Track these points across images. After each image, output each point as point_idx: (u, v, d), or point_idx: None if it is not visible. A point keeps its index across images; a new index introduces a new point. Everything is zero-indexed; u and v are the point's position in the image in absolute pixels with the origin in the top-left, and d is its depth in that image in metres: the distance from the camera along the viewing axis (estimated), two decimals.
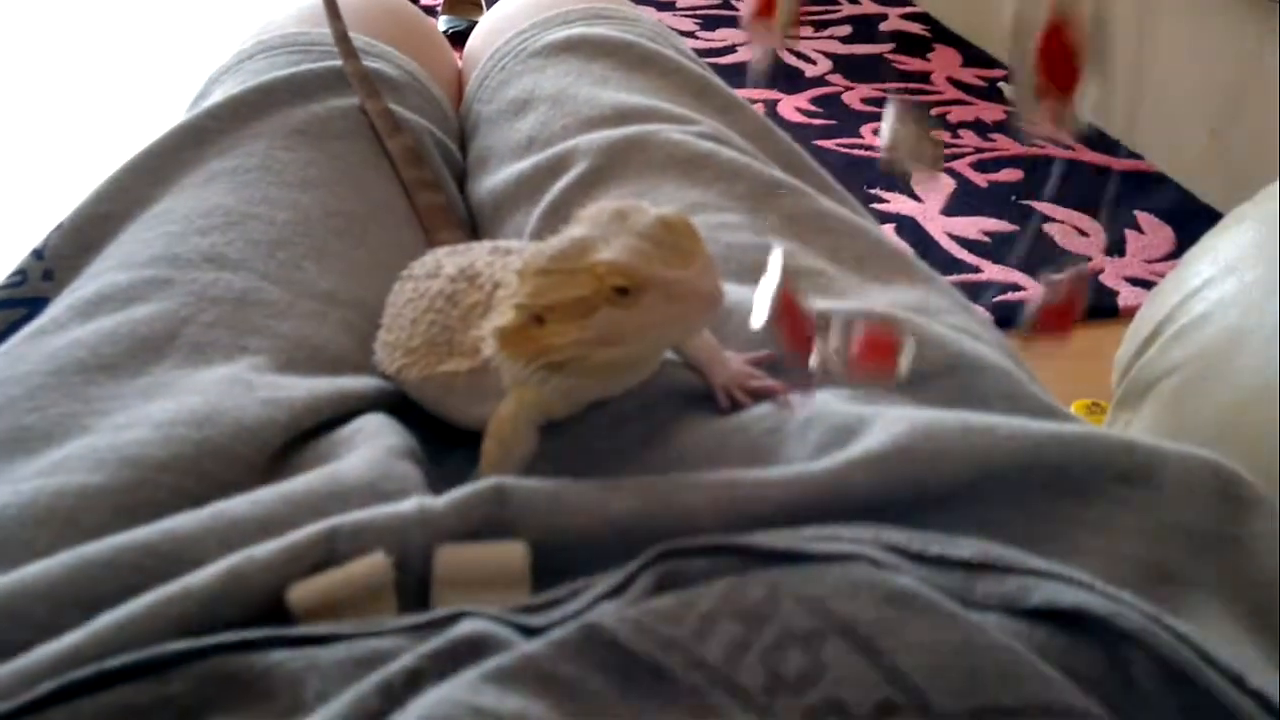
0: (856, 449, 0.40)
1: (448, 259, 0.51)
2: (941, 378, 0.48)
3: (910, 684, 0.30)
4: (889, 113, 0.32)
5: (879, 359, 0.36)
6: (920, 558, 0.36)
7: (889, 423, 0.41)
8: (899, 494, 0.39)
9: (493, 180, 0.71)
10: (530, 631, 0.34)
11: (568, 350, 0.42)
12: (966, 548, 0.36)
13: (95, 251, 0.59)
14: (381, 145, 0.69)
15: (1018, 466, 0.40)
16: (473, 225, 0.73)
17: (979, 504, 0.40)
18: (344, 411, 0.50)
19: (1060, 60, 0.24)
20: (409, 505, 0.39)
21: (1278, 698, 0.32)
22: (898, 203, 1.71)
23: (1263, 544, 0.39)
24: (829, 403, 0.45)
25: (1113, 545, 0.39)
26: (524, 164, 0.69)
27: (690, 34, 2.31)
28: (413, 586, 0.38)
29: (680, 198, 0.61)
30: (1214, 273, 0.69)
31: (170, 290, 0.54)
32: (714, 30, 2.34)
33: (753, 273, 0.55)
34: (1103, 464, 0.40)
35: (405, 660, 0.32)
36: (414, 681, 0.31)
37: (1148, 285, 1.51)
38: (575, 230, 0.42)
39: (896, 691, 0.30)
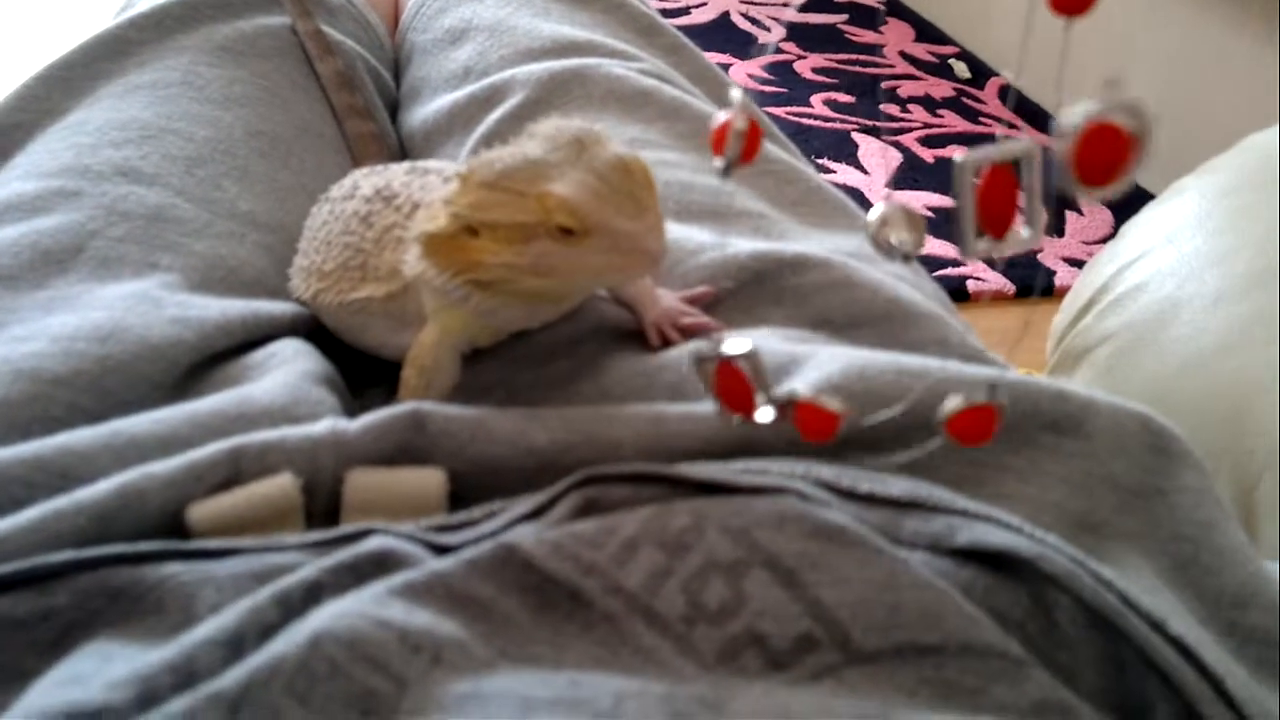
0: (787, 388, 0.39)
1: (365, 179, 0.49)
2: (877, 322, 0.47)
3: (832, 619, 0.30)
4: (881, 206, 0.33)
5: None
6: (850, 494, 0.35)
7: (822, 362, 0.40)
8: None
9: (425, 110, 0.69)
10: (442, 550, 0.32)
11: (495, 271, 0.40)
12: (896, 486, 0.35)
13: (3, 161, 0.56)
14: (311, 68, 0.66)
15: None
16: (403, 157, 0.70)
17: (908, 445, 0.39)
18: (259, 335, 0.48)
19: (997, 204, 0.27)
20: (320, 427, 0.38)
21: (1196, 645, 0.32)
22: (844, 174, 1.71)
23: (1188, 498, 0.39)
24: (763, 340, 0.44)
25: (1039, 492, 0.39)
26: (458, 94, 0.67)
27: None
28: (322, 511, 0.37)
29: (620, 133, 0.59)
30: (1153, 243, 0.69)
31: (78, 202, 0.51)
32: None
33: (690, 212, 0.54)
34: (1034, 411, 0.40)
35: (305, 572, 0.30)
36: (314, 594, 0.30)
37: (1084, 266, 1.52)
38: (529, 146, 0.40)
39: (818, 626, 0.29)
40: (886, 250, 0.29)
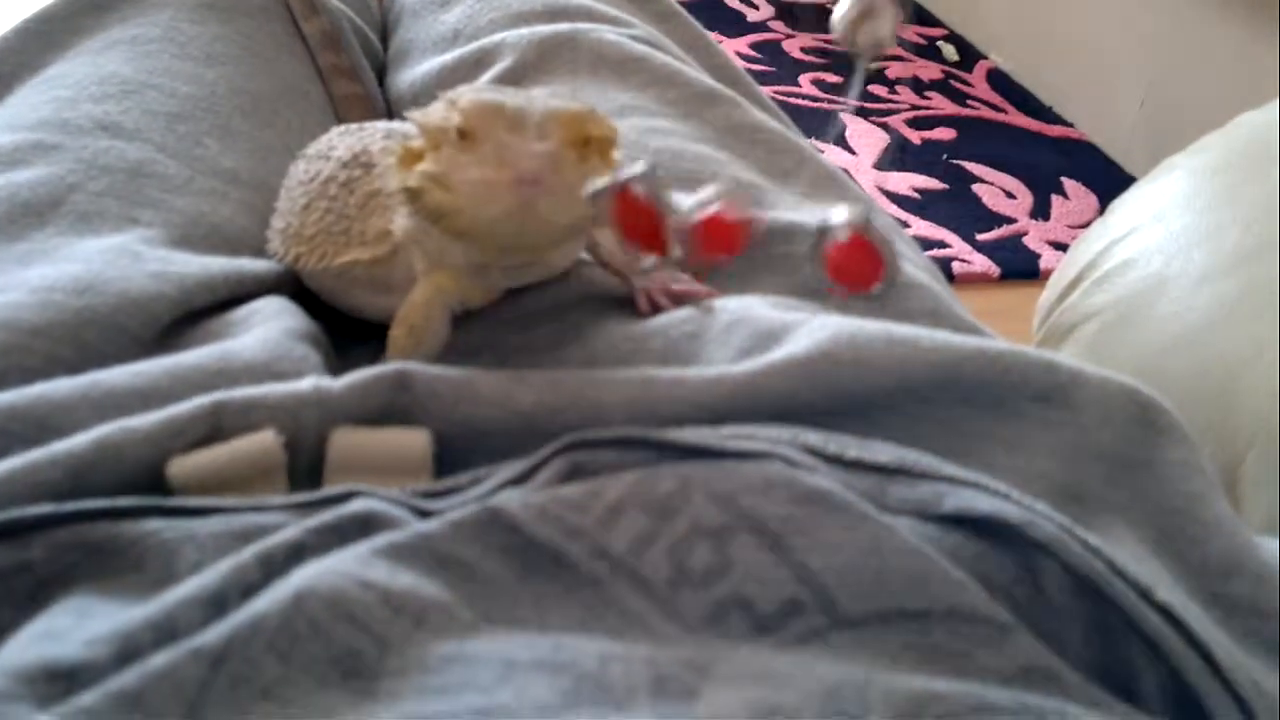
0: (779, 353, 0.39)
1: (340, 139, 0.48)
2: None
3: (818, 584, 0.29)
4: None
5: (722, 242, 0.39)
6: (836, 460, 0.34)
7: (813, 329, 0.40)
8: (818, 400, 0.38)
9: (413, 73, 0.68)
10: (426, 515, 0.32)
11: (417, 180, 0.39)
12: (883, 452, 0.35)
13: None
14: (296, 27, 0.65)
15: (939, 380, 0.39)
16: (391, 119, 0.70)
17: (897, 415, 0.39)
18: (241, 293, 0.47)
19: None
20: (304, 384, 0.37)
21: (1183, 613, 0.32)
22: (831, 154, 1.71)
23: (1174, 471, 0.39)
24: (753, 308, 0.44)
25: (1027, 463, 0.39)
26: (447, 57, 0.66)
27: None
28: (305, 470, 0.36)
29: (610, 100, 0.59)
30: (1141, 220, 0.69)
31: (58, 155, 0.50)
32: None
33: (680, 180, 0.54)
34: (1023, 382, 0.40)
35: (289, 533, 0.30)
36: (297, 554, 0.29)
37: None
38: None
39: (804, 590, 0.29)
40: (863, 49, 0.31)
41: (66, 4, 0.60)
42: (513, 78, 0.62)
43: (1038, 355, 0.41)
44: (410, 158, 0.41)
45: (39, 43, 0.58)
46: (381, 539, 0.29)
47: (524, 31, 0.64)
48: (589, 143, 0.39)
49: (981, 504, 0.33)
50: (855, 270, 0.39)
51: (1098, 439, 0.39)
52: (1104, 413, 0.40)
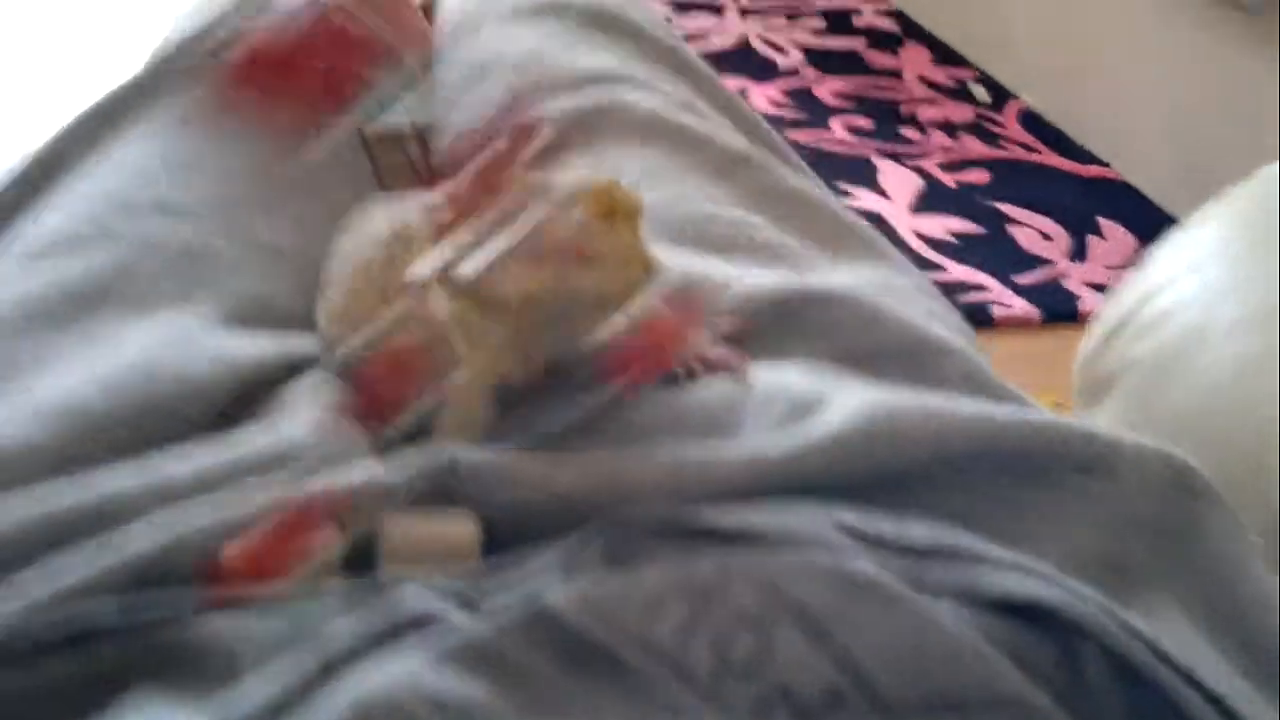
0: (816, 430, 0.39)
1: (380, 213, 0.50)
2: (903, 358, 0.47)
3: (860, 671, 0.30)
4: None
5: None
6: (875, 541, 0.35)
7: (848, 403, 0.41)
8: (856, 476, 0.39)
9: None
10: (474, 605, 0.33)
11: None
12: (921, 532, 0.35)
13: (42, 197, 0.58)
14: None
15: (976, 451, 0.39)
16: (433, 185, 0.71)
17: (936, 488, 0.39)
18: (291, 369, 0.48)
19: None
20: (358, 476, 0.38)
21: (1229, 696, 0.32)
22: (865, 199, 1.71)
23: (1213, 536, 0.39)
24: (789, 377, 0.44)
25: (1067, 534, 0.39)
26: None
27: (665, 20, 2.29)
28: (357, 549, 0.37)
29: (642, 165, 0.60)
30: (1178, 270, 0.69)
31: (114, 238, 0.52)
32: (686, 14, 2.32)
33: (713, 244, 0.54)
34: (1062, 453, 0.40)
35: (344, 635, 0.31)
36: (354, 655, 0.30)
37: (1107, 290, 1.52)
38: None
39: (846, 679, 0.30)
40: None
41: (125, 89, 0.62)
42: (551, 149, 0.63)
43: (1076, 425, 0.41)
44: (443, 231, 0.42)
45: (101, 127, 0.60)
46: (433, 643, 0.30)
47: (561, 102, 0.65)
48: (615, 213, 0.40)
49: (1021, 587, 0.33)
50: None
51: (1137, 507, 0.39)
52: (1141, 480, 0.40)
